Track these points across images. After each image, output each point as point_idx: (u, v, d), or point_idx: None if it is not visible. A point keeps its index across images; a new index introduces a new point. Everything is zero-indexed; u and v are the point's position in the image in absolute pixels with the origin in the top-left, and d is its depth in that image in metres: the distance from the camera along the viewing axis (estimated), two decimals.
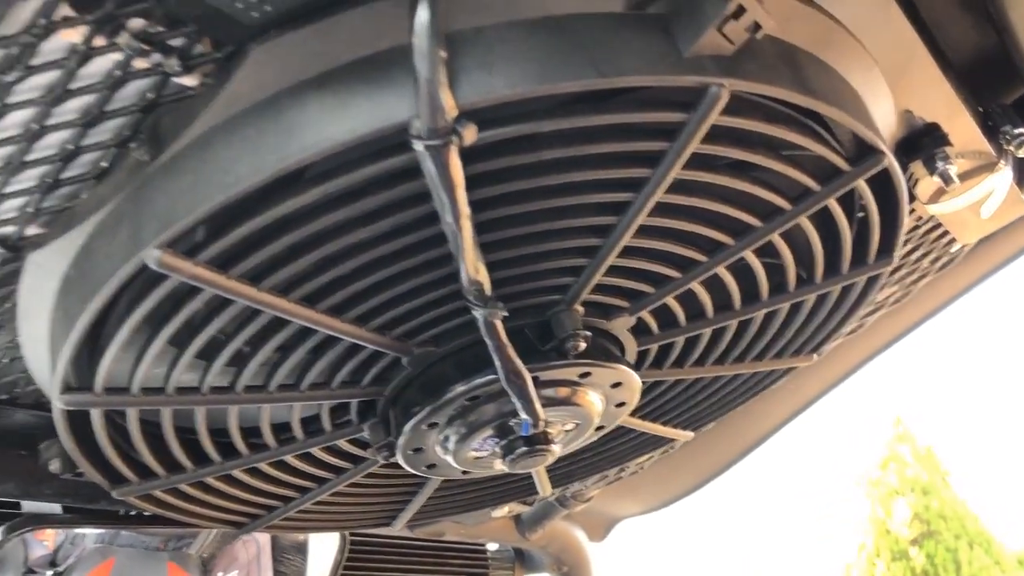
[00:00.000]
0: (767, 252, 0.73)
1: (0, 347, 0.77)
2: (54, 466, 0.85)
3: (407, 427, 0.74)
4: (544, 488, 1.04)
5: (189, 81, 0.54)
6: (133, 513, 1.03)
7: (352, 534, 1.21)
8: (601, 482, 1.30)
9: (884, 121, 0.69)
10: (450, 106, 0.50)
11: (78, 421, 0.73)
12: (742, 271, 0.75)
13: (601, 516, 1.60)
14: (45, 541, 1.24)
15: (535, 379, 0.70)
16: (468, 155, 0.53)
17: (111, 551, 1.23)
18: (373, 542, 1.34)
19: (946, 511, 8.17)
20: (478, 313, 0.64)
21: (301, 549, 1.28)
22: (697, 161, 0.59)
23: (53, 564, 1.23)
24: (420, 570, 1.44)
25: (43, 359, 0.71)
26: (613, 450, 1.03)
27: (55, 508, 1.03)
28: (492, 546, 1.58)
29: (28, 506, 1.04)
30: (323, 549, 1.30)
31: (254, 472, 0.85)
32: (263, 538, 1.33)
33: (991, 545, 8.12)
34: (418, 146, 0.51)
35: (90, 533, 1.27)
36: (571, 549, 1.56)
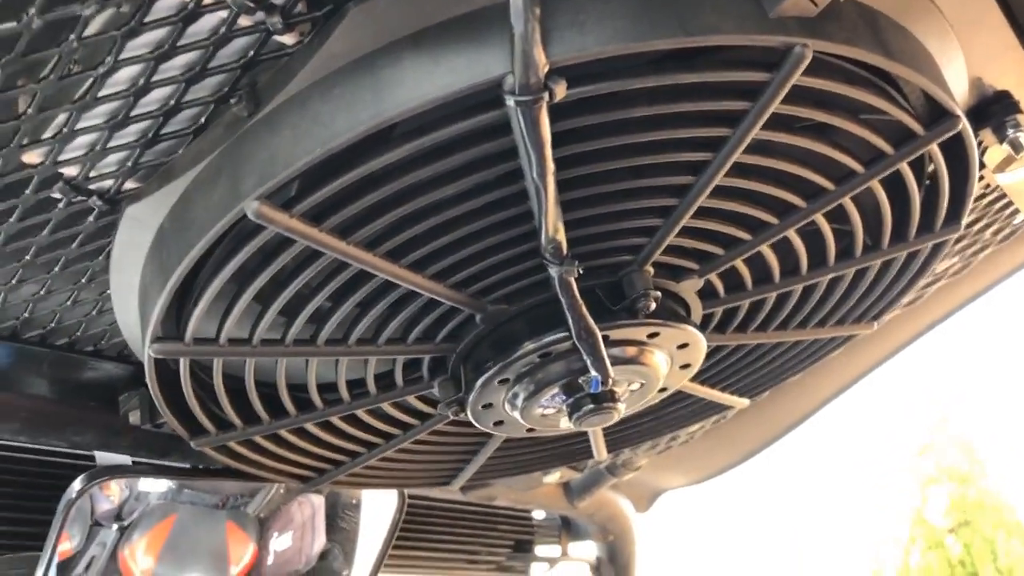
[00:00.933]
0: (834, 217, 0.74)
1: (90, 300, 0.80)
2: (134, 417, 0.88)
3: (479, 382, 0.76)
4: (599, 451, 1.06)
5: (288, 39, 0.57)
6: (201, 467, 1.07)
7: (409, 496, 1.24)
8: (651, 450, 1.32)
9: (958, 87, 0.69)
10: (542, 63, 0.52)
11: (163, 373, 0.76)
12: (808, 235, 0.76)
13: (647, 487, 1.62)
14: (111, 496, 1.28)
15: (605, 338, 0.72)
16: (554, 112, 0.55)
17: (173, 507, 1.27)
18: (427, 504, 1.38)
19: (984, 501, 8.09)
20: (554, 271, 0.66)
21: (357, 508, 1.31)
22: (775, 122, 0.60)
23: (118, 518, 1.27)
24: (470, 534, 1.48)
25: (132, 311, 0.74)
26: (669, 415, 1.05)
27: (126, 461, 1.06)
28: (539, 514, 1.61)
29: (101, 459, 1.08)
30: (374, 509, 1.34)
31: (325, 426, 0.88)
32: (317, 500, 1.36)
33: None
34: (510, 102, 0.53)
35: (153, 490, 1.30)
36: (617, 518, 1.58)
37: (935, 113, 0.67)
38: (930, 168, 0.73)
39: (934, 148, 0.68)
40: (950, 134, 0.66)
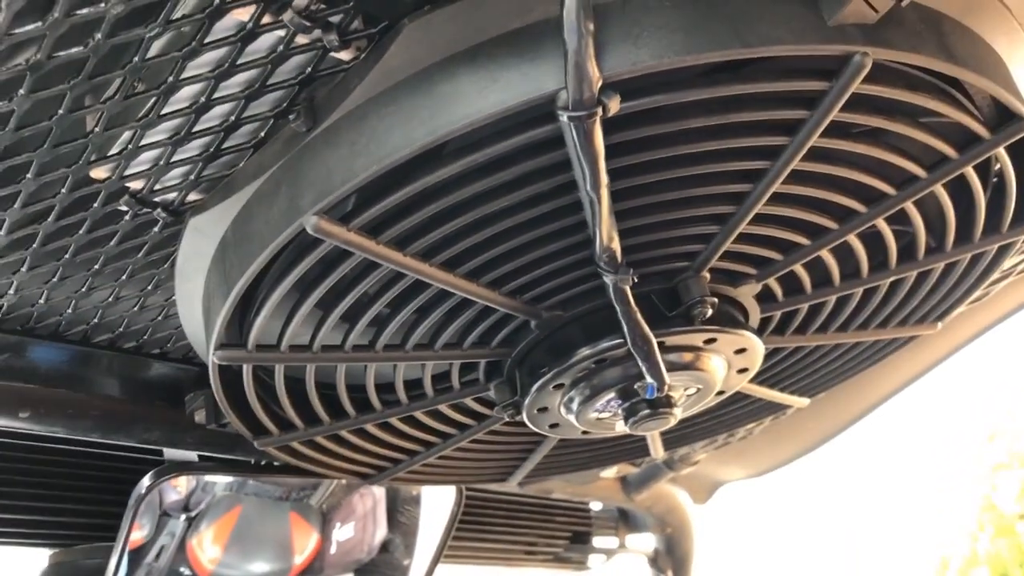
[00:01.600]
0: (896, 219, 0.72)
1: (156, 306, 0.82)
2: (199, 416, 0.91)
3: (534, 387, 0.77)
4: (657, 450, 1.06)
5: (345, 55, 0.57)
6: (264, 463, 1.09)
7: (467, 489, 1.25)
8: (710, 446, 1.31)
9: None
10: (596, 77, 0.51)
11: (227, 375, 0.78)
12: (869, 238, 0.74)
13: (706, 480, 1.62)
14: (178, 488, 1.31)
15: (661, 344, 0.72)
16: (607, 125, 0.55)
17: (239, 499, 1.30)
18: (484, 497, 1.39)
19: None
20: (608, 279, 0.66)
21: (417, 501, 1.33)
22: (834, 129, 0.59)
23: (186, 509, 1.31)
24: (528, 526, 1.49)
25: (196, 317, 0.76)
26: (728, 415, 1.04)
27: (192, 457, 1.09)
28: (596, 505, 1.62)
29: (168, 455, 1.11)
30: (433, 502, 1.35)
31: (385, 426, 0.89)
32: (379, 492, 1.39)
33: None
34: (563, 117, 0.53)
35: (220, 482, 1.33)
36: (675, 511, 1.58)
37: (1003, 115, 0.65)
38: (997, 167, 0.72)
39: (1000, 151, 0.66)
40: (1017, 137, 0.64)
